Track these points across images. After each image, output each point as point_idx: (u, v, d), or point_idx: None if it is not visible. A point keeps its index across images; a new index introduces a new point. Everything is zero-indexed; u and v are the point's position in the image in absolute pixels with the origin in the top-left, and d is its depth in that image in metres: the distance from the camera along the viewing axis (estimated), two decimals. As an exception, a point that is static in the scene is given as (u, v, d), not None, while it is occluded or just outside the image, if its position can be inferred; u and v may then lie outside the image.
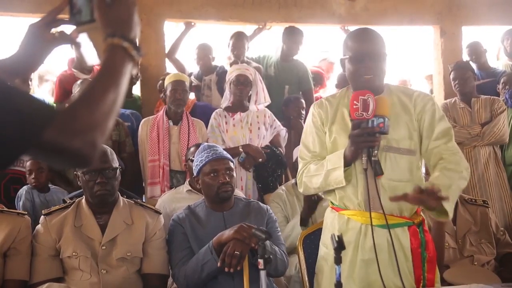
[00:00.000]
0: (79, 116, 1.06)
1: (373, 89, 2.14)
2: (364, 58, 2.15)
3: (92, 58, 1.28)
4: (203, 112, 4.22)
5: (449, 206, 1.99)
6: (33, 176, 3.50)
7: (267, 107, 4.25)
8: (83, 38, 1.30)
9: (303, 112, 4.46)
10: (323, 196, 2.42)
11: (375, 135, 2.08)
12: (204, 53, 4.76)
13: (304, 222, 3.23)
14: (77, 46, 1.37)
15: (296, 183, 3.40)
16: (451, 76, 4.46)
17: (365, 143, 2.08)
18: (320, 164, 2.25)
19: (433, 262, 2.24)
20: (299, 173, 2.35)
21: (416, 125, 2.21)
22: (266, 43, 5.42)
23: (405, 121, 2.20)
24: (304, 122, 4.41)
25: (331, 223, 2.31)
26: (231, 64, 4.55)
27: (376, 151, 2.10)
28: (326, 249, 2.31)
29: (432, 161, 2.20)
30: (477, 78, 4.62)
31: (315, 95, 5.27)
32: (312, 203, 3.26)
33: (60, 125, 1.03)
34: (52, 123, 1.02)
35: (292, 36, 4.85)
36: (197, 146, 3.21)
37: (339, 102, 2.30)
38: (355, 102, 2.09)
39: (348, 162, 2.15)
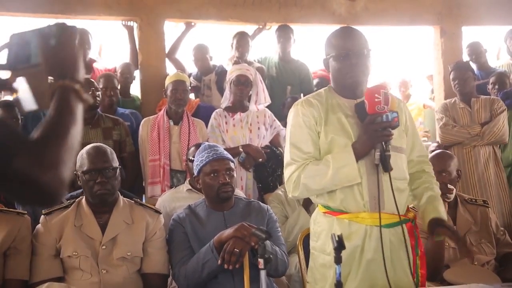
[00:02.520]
0: (49, 151, 1.07)
1: (360, 86, 2.18)
2: (349, 55, 2.15)
3: (30, 103, 1.26)
4: (206, 113, 4.22)
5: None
6: None
7: (269, 107, 4.25)
8: (21, 83, 1.27)
9: None
10: (313, 200, 2.32)
11: (389, 129, 2.08)
12: (201, 53, 4.76)
13: (307, 210, 3.30)
14: (14, 91, 1.33)
15: None
16: (451, 76, 4.46)
17: (382, 137, 2.08)
18: (322, 163, 2.16)
19: (423, 257, 2.26)
20: (292, 176, 2.19)
21: (403, 127, 2.26)
22: (267, 43, 5.42)
23: None
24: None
25: (329, 228, 2.20)
26: (233, 64, 4.55)
27: (390, 146, 2.10)
28: (328, 256, 2.17)
29: (413, 169, 2.32)
30: (477, 78, 4.63)
31: None
32: None
33: (31, 156, 1.04)
34: (22, 153, 1.03)
35: (281, 33, 4.92)
36: (197, 146, 3.21)
37: (326, 101, 2.26)
38: (376, 95, 2.07)
39: (359, 158, 2.13)
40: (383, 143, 2.09)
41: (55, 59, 1.21)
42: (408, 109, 2.33)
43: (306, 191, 2.20)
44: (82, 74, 1.23)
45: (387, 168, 2.10)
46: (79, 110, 1.18)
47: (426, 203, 2.28)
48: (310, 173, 2.16)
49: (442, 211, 2.25)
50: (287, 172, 2.22)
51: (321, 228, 2.24)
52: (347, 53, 2.15)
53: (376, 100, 2.07)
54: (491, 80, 4.72)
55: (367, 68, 2.20)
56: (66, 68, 1.21)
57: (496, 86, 4.67)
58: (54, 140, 1.10)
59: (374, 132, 2.08)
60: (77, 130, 1.15)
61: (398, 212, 2.12)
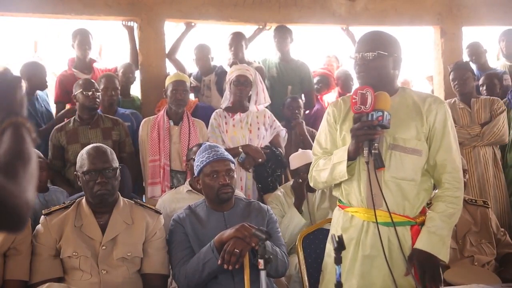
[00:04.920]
0: (18, 175, 1.12)
1: (371, 87, 2.18)
2: (357, 57, 2.27)
3: None
4: (204, 113, 4.22)
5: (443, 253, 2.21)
6: None
7: (270, 107, 4.25)
8: None
9: (299, 112, 4.45)
10: (333, 192, 2.45)
11: (375, 128, 2.13)
12: (203, 53, 4.75)
13: (298, 210, 3.37)
14: None
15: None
16: (451, 77, 4.46)
17: (364, 136, 2.14)
18: (328, 159, 2.33)
19: None
20: (311, 168, 2.44)
21: (426, 128, 2.25)
22: (266, 44, 5.42)
23: (415, 122, 2.25)
24: (304, 122, 4.46)
25: (336, 220, 2.38)
26: (230, 65, 4.55)
27: (376, 144, 2.14)
28: (329, 244, 2.39)
29: (435, 174, 2.28)
30: (476, 79, 4.62)
31: (325, 97, 5.30)
32: (297, 189, 3.41)
33: (3, 178, 1.08)
34: None
35: (277, 34, 4.95)
36: (200, 146, 3.20)
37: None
38: (354, 96, 2.17)
39: (351, 156, 2.21)
40: (370, 141, 2.14)
41: (3, 101, 1.30)
42: (443, 111, 2.26)
43: (316, 182, 2.43)
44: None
45: (377, 165, 2.15)
46: (32, 145, 1.26)
47: (424, 224, 2.26)
48: (319, 167, 2.37)
49: (422, 240, 2.20)
50: (311, 165, 2.47)
51: (333, 220, 2.43)
52: (357, 55, 2.27)
53: (353, 100, 2.17)
54: (480, 81, 4.71)
55: (373, 70, 2.24)
56: (15, 109, 1.30)
57: (485, 87, 4.65)
58: (22, 166, 1.16)
59: (357, 131, 2.16)
60: (35, 161, 1.22)
61: (389, 211, 2.15)
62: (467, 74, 4.36)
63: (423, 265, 2.17)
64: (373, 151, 2.13)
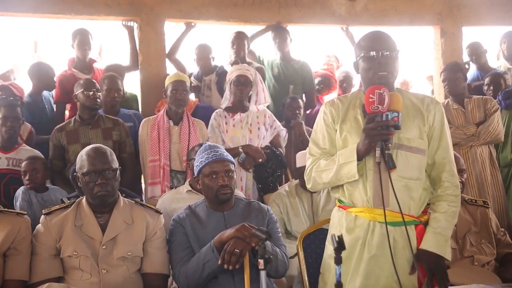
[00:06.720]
0: None
1: (387, 85, 2.19)
2: (377, 55, 2.22)
3: None
4: (205, 114, 4.22)
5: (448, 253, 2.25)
6: (27, 177, 3.49)
7: (272, 107, 4.24)
8: None
9: (299, 112, 4.44)
10: (331, 194, 2.42)
11: (389, 129, 2.13)
12: (204, 53, 4.76)
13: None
14: None
15: (300, 185, 3.43)
16: (441, 78, 4.48)
17: (379, 136, 2.13)
18: (331, 159, 2.29)
19: None
20: (308, 169, 2.38)
21: (427, 128, 2.27)
22: (266, 44, 5.42)
23: (417, 122, 2.26)
24: (304, 122, 4.46)
25: (338, 221, 2.34)
26: (232, 64, 4.55)
27: (390, 145, 2.14)
28: (331, 246, 2.30)
29: (434, 172, 2.30)
30: (476, 79, 4.63)
31: (325, 97, 5.32)
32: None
33: None
34: None
35: (277, 35, 5.00)
36: (201, 146, 3.20)
37: (350, 102, 2.36)
38: (371, 95, 2.14)
39: (361, 156, 2.20)
40: (383, 142, 2.13)
41: None
42: (440, 111, 2.31)
43: (316, 184, 2.37)
44: None
45: (389, 166, 2.14)
46: None
47: (428, 225, 2.27)
48: (320, 168, 2.32)
49: (430, 241, 2.22)
50: (306, 165, 2.41)
51: (333, 221, 2.39)
52: (375, 53, 2.22)
53: (370, 100, 2.14)
54: (486, 81, 4.72)
55: (394, 69, 2.26)
56: None
57: (491, 87, 4.67)
58: None
59: (371, 131, 2.14)
60: None
61: (401, 211, 2.15)
62: (457, 75, 4.36)
63: (432, 267, 2.18)
64: (386, 152, 2.13)
